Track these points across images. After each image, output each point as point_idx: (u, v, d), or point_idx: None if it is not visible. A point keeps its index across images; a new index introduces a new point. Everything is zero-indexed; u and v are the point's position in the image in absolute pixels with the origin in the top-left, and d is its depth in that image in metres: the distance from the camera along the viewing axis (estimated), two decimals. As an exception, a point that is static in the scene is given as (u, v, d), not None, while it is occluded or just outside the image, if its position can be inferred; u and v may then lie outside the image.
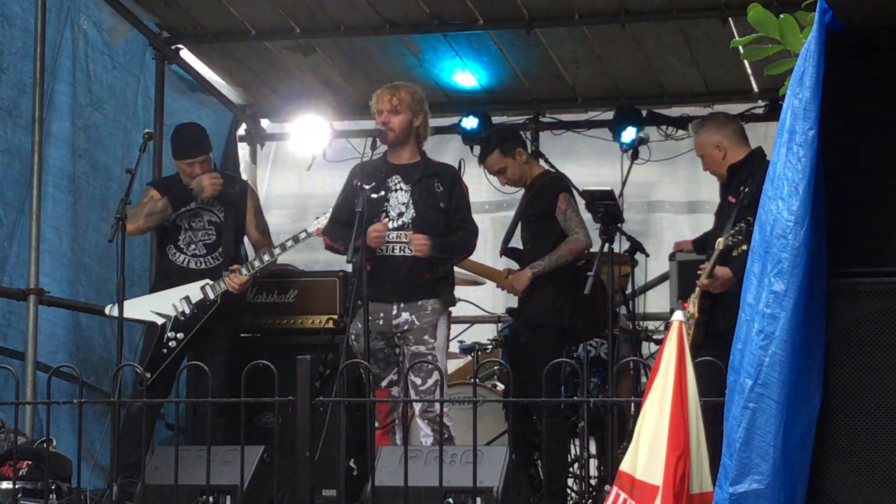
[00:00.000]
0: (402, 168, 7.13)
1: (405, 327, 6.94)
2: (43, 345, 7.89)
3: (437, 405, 6.71)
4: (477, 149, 10.06)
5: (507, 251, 8.10)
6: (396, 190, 7.10)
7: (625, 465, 4.30)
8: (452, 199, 7.14)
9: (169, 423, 8.90)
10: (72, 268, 8.31)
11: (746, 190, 6.67)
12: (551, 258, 7.69)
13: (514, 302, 8.07)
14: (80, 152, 8.43)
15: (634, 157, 7.64)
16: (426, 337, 6.92)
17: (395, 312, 6.96)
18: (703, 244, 7.38)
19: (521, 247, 8.00)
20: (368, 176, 6.92)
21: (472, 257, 7.62)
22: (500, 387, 8.73)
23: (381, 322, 6.93)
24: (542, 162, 8.76)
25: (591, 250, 7.85)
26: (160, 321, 7.38)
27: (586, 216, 7.73)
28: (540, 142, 10.24)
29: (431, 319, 6.95)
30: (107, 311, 7.37)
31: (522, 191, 8.10)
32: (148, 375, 7.16)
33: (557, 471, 7.66)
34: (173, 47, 9.47)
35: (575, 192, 7.92)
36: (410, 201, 7.05)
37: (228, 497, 6.09)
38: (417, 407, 6.93)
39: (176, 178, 7.74)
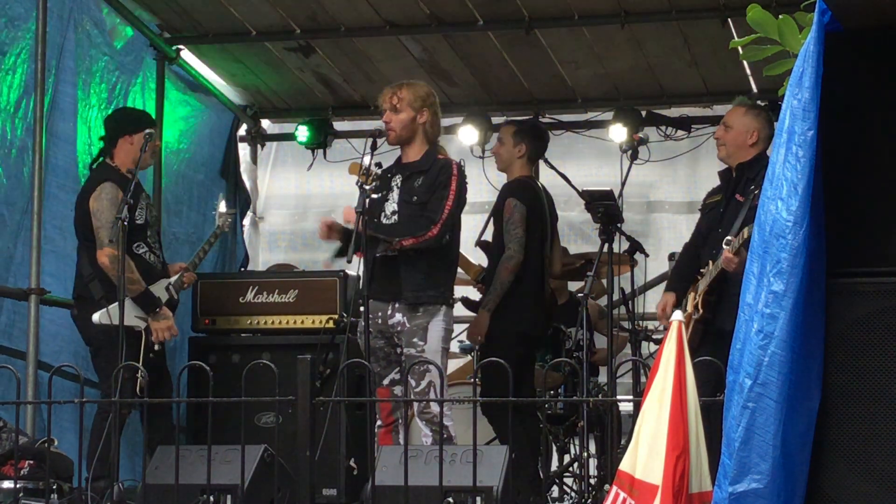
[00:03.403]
0: (406, 166, 7.11)
1: (398, 328, 6.92)
2: (46, 345, 7.89)
3: (434, 406, 6.71)
4: (477, 150, 10.16)
5: (479, 244, 8.25)
6: (394, 189, 7.09)
7: (624, 465, 4.30)
8: (429, 191, 6.95)
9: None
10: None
11: (757, 191, 6.67)
12: (496, 287, 7.81)
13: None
14: (86, 153, 8.44)
15: (634, 157, 7.64)
16: (415, 339, 6.87)
17: (389, 312, 6.94)
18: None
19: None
20: (378, 176, 6.90)
21: (463, 251, 7.64)
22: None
23: (379, 321, 6.93)
24: (542, 163, 8.79)
25: (592, 249, 7.89)
26: (143, 325, 7.26)
27: (585, 216, 7.75)
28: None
29: (422, 322, 6.88)
30: (95, 318, 7.09)
31: None
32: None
33: (524, 464, 7.63)
34: (174, 48, 9.48)
35: (535, 200, 7.95)
36: (398, 200, 7.03)
37: (229, 496, 6.10)
38: (416, 407, 6.93)
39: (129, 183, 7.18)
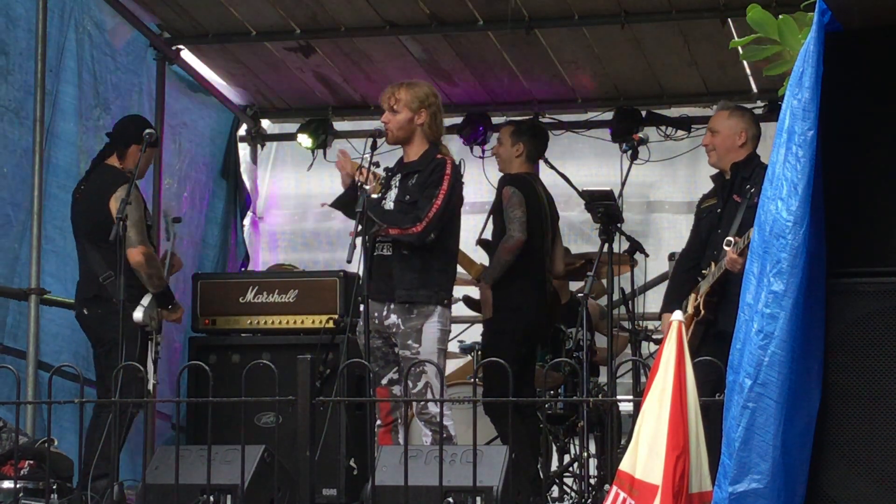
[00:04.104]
0: (406, 166, 7.11)
1: (393, 330, 6.91)
2: (47, 345, 7.89)
3: (432, 406, 6.71)
4: (477, 150, 10.16)
5: (480, 242, 8.29)
6: (394, 189, 7.09)
7: (624, 465, 4.31)
8: (421, 190, 6.91)
9: (172, 423, 8.91)
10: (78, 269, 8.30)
11: (753, 190, 6.71)
12: (494, 264, 7.93)
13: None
14: (90, 153, 8.45)
15: (634, 157, 7.64)
16: (410, 342, 6.85)
17: (385, 313, 6.93)
18: None
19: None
20: (383, 178, 6.89)
21: (464, 250, 7.65)
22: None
23: (376, 321, 6.92)
24: (542, 163, 8.80)
25: (592, 249, 7.90)
26: (152, 325, 7.30)
27: (585, 216, 7.76)
28: (539, 142, 10.25)
29: (415, 324, 6.85)
30: (138, 318, 7.12)
31: None
32: (156, 381, 7.19)
33: (526, 464, 7.64)
34: (174, 48, 9.48)
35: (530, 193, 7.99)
36: (395, 200, 7.03)
37: (229, 496, 6.10)
38: (415, 407, 6.93)
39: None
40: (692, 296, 6.88)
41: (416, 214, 6.84)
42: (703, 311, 6.69)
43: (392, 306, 6.89)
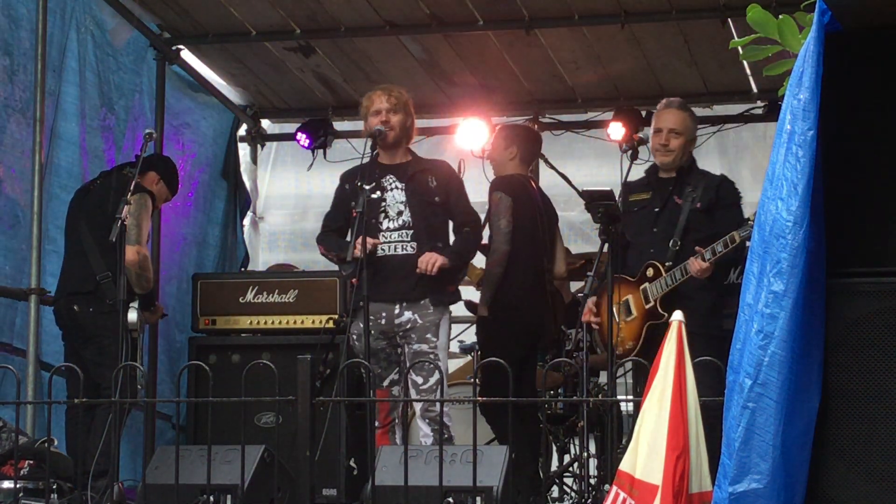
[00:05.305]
0: (395, 168, 7.15)
1: (408, 326, 6.95)
2: (48, 345, 7.88)
3: (438, 405, 6.72)
4: (477, 150, 10.14)
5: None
6: (392, 189, 7.10)
7: (624, 465, 4.31)
8: (449, 192, 7.17)
9: (173, 423, 8.90)
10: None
11: (694, 194, 6.83)
12: (486, 282, 7.86)
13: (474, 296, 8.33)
14: (93, 153, 8.42)
15: (634, 157, 7.65)
16: (429, 335, 6.93)
17: (397, 312, 6.97)
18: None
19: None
20: (364, 178, 6.90)
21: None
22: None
23: (383, 322, 6.93)
24: (542, 163, 8.80)
25: (592, 249, 7.89)
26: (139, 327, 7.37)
27: (585, 216, 7.76)
28: (539, 142, 10.24)
29: (434, 318, 6.97)
30: (133, 319, 7.19)
31: None
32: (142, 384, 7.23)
33: (524, 462, 7.66)
34: (174, 48, 9.48)
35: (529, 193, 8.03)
36: (406, 199, 7.06)
37: (229, 496, 6.10)
38: (418, 407, 6.94)
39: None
40: (632, 296, 6.92)
41: (475, 221, 7.33)
42: (665, 315, 6.71)
43: (405, 304, 6.94)
